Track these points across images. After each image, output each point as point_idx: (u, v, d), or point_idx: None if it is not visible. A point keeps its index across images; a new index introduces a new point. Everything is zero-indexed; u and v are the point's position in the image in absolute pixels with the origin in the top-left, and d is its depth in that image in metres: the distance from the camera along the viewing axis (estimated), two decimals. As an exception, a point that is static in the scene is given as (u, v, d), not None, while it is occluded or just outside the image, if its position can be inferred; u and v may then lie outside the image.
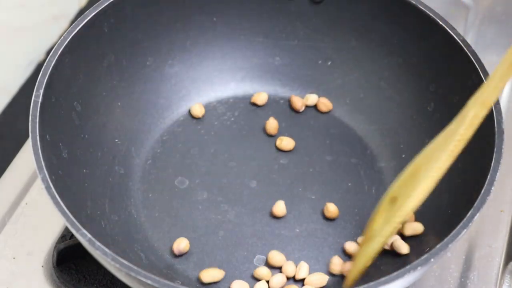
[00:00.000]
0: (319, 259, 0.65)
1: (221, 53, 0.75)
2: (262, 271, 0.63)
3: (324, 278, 0.63)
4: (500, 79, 0.56)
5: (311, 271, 0.64)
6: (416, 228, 0.64)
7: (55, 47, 0.63)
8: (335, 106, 0.75)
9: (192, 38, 0.74)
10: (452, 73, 0.67)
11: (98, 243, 0.53)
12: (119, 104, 0.70)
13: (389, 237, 0.59)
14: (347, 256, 0.65)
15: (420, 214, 0.65)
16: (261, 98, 0.75)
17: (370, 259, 0.60)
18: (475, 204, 0.56)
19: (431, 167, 0.57)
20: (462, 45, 0.65)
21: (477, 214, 0.56)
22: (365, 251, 0.61)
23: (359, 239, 0.65)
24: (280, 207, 0.67)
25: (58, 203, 0.55)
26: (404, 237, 0.64)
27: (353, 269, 0.62)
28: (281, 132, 0.73)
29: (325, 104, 0.74)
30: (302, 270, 0.63)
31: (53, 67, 0.62)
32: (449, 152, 0.56)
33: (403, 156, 0.70)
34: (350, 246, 0.65)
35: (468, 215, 0.56)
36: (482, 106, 0.56)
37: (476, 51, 0.65)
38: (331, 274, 0.64)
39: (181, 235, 0.66)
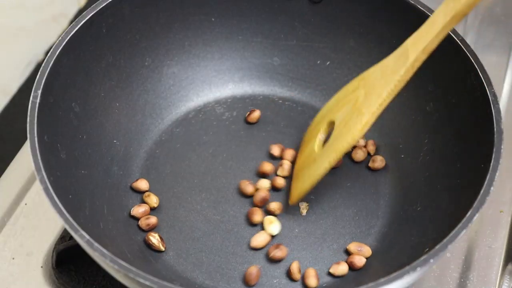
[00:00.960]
0: (319, 259, 0.65)
1: (219, 53, 0.75)
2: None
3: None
4: (443, 29, 0.57)
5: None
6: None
7: (53, 47, 0.63)
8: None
9: (191, 38, 0.74)
10: (451, 73, 0.67)
11: (96, 244, 0.53)
12: (117, 104, 0.70)
13: (333, 164, 0.63)
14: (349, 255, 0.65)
15: (420, 214, 0.65)
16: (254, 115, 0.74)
17: (315, 182, 0.64)
18: (474, 205, 0.56)
19: (371, 101, 0.60)
20: (461, 45, 0.65)
21: (477, 215, 0.56)
22: (310, 172, 0.64)
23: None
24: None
25: (57, 204, 0.55)
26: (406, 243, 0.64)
27: (297, 187, 0.66)
28: (279, 133, 0.73)
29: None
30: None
31: (51, 67, 0.62)
32: (389, 91, 0.59)
33: (402, 156, 0.70)
34: (352, 247, 0.65)
35: (467, 215, 0.56)
36: (423, 51, 0.58)
37: (476, 51, 0.64)
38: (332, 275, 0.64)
39: (180, 236, 0.66)
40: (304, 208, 0.68)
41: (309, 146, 0.66)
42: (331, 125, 0.65)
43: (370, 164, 0.71)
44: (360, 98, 0.61)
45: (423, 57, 0.58)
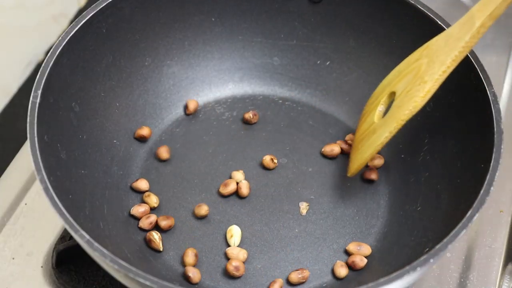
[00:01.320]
0: (319, 259, 0.65)
1: (219, 53, 0.75)
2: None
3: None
4: None
5: (311, 271, 0.64)
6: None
7: (53, 47, 0.63)
8: (334, 106, 0.75)
9: (191, 38, 0.74)
10: (451, 73, 0.66)
11: (96, 244, 0.53)
12: (117, 104, 0.70)
13: (394, 133, 0.62)
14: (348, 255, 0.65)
15: (420, 214, 0.65)
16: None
17: (375, 151, 0.63)
18: (474, 204, 0.56)
19: (434, 68, 0.58)
20: (461, 45, 0.65)
21: (477, 214, 0.56)
22: (370, 142, 0.63)
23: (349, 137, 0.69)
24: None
25: (57, 204, 0.55)
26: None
27: (357, 157, 0.65)
28: (280, 133, 0.73)
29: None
30: None
31: (51, 67, 0.62)
32: (453, 57, 0.58)
33: (403, 156, 0.70)
34: (351, 247, 0.65)
35: (467, 215, 0.56)
36: (490, 17, 0.56)
37: (476, 51, 0.64)
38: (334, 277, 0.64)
39: (180, 236, 0.66)
40: (304, 208, 0.68)
41: (369, 118, 0.65)
42: (392, 96, 0.64)
43: (370, 163, 0.71)
44: (422, 67, 0.60)
45: (490, 23, 0.57)
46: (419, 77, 0.60)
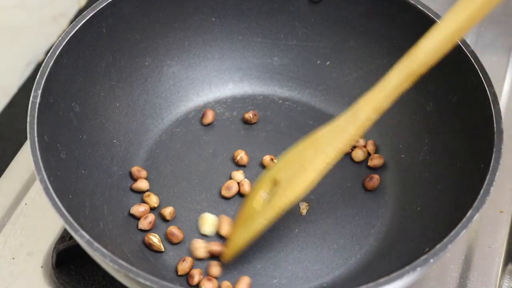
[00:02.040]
0: (319, 259, 0.65)
1: (219, 53, 0.75)
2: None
3: None
4: (395, 88, 0.56)
5: (311, 271, 0.64)
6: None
7: (53, 47, 0.63)
8: (334, 106, 0.75)
9: (191, 38, 0.74)
10: (451, 73, 0.67)
11: (96, 244, 0.53)
12: (117, 104, 0.70)
13: (272, 221, 0.61)
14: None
15: (420, 214, 0.65)
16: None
17: (250, 238, 0.62)
18: (474, 204, 0.56)
19: (317, 159, 0.58)
20: (461, 45, 0.65)
21: (477, 214, 0.56)
22: (246, 229, 0.62)
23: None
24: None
25: (56, 204, 0.55)
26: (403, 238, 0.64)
27: (231, 245, 0.63)
28: (279, 133, 0.73)
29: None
30: None
31: (51, 67, 0.62)
32: (337, 149, 0.58)
33: (403, 156, 0.70)
34: None
35: (467, 215, 0.56)
36: (375, 111, 0.56)
37: (476, 52, 0.64)
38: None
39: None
40: (304, 208, 0.68)
41: (250, 203, 0.63)
42: (276, 185, 0.62)
43: (369, 163, 0.71)
44: (307, 158, 0.59)
45: (374, 116, 0.57)
46: (302, 167, 0.60)
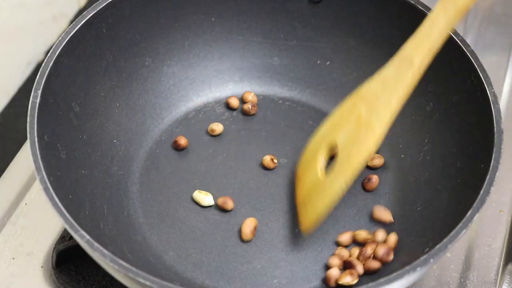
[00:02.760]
0: (319, 259, 0.65)
1: (219, 53, 0.75)
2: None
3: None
4: (446, 26, 0.56)
5: (311, 271, 0.64)
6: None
7: (53, 47, 0.63)
8: (334, 106, 0.75)
9: (191, 38, 0.74)
10: (451, 73, 0.67)
11: (96, 244, 0.53)
12: (117, 104, 0.70)
13: (349, 183, 0.61)
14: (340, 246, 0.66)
15: (420, 214, 0.65)
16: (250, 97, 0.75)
17: (331, 206, 0.62)
18: (474, 204, 0.56)
19: (381, 113, 0.58)
20: (461, 45, 0.65)
21: (477, 214, 0.56)
22: (324, 199, 0.62)
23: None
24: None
25: (56, 204, 0.55)
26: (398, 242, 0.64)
27: (311, 214, 0.63)
28: (279, 133, 0.73)
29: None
30: None
31: (51, 67, 0.62)
32: (397, 98, 0.58)
33: (402, 156, 0.70)
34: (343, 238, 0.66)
35: (467, 215, 0.56)
36: (429, 52, 0.56)
37: (476, 52, 0.65)
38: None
39: (180, 236, 0.66)
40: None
41: (311, 176, 0.63)
42: (333, 150, 0.63)
43: (369, 163, 0.71)
44: (363, 114, 0.59)
45: (429, 58, 0.57)
46: (363, 124, 0.59)
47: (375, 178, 0.69)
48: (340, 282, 0.61)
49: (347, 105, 0.62)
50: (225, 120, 0.74)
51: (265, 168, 0.71)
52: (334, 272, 0.62)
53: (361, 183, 0.70)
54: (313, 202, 0.63)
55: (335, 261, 0.63)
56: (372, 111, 0.59)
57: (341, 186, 0.61)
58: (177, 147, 0.71)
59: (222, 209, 0.67)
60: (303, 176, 0.65)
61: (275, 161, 0.71)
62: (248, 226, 0.65)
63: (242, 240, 0.65)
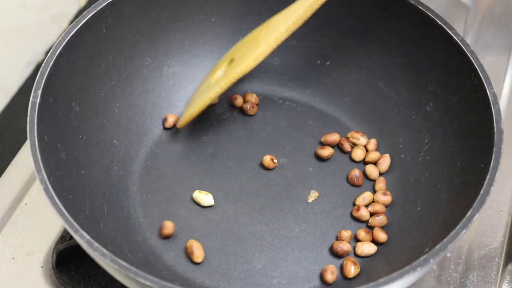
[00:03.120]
0: (319, 259, 0.65)
1: (219, 53, 0.75)
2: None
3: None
4: None
5: (311, 271, 0.64)
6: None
7: (53, 47, 0.63)
8: (334, 106, 0.75)
9: (191, 38, 0.74)
10: (451, 73, 0.67)
11: (96, 244, 0.53)
12: (117, 104, 0.70)
13: (224, 88, 0.68)
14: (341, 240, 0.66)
15: (420, 214, 0.65)
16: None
17: (205, 105, 0.69)
18: (474, 204, 0.56)
19: (270, 35, 0.66)
20: (461, 45, 0.65)
21: (477, 214, 0.56)
22: (203, 97, 0.70)
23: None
24: None
25: (56, 204, 0.55)
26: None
27: (188, 111, 0.71)
28: (279, 133, 0.73)
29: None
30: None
31: (51, 67, 0.62)
32: (286, 26, 0.65)
33: (403, 156, 0.70)
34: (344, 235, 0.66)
35: (467, 215, 0.56)
36: None
37: (476, 52, 0.65)
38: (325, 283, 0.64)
39: (180, 236, 0.66)
40: (312, 196, 0.68)
41: (206, 82, 0.71)
42: (231, 63, 0.70)
43: (366, 159, 0.71)
44: (260, 36, 0.67)
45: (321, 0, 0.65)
46: (255, 43, 0.67)
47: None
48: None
49: (256, 30, 0.69)
50: (225, 120, 0.74)
51: (265, 168, 0.71)
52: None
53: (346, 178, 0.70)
54: (195, 101, 0.71)
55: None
56: (266, 34, 0.67)
57: (215, 89, 0.68)
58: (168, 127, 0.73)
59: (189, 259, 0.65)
60: (201, 84, 0.72)
61: (275, 161, 0.71)
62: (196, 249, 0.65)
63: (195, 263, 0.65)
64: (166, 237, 0.65)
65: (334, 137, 0.72)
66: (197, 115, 0.70)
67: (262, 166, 0.71)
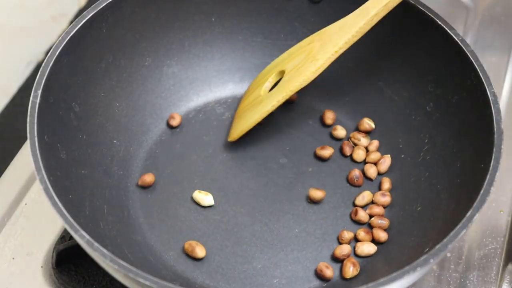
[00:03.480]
0: (319, 259, 0.65)
1: (219, 53, 0.75)
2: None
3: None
4: None
5: (311, 271, 0.64)
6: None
7: (53, 47, 0.63)
8: (334, 106, 0.75)
9: (191, 38, 0.74)
10: (451, 73, 0.67)
11: (96, 244, 0.53)
12: (117, 104, 0.70)
13: (282, 102, 0.67)
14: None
15: (420, 214, 0.65)
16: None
17: (261, 119, 0.69)
18: (474, 204, 0.56)
19: (328, 49, 0.65)
20: (461, 45, 0.65)
21: (477, 214, 0.56)
22: (254, 112, 0.69)
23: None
24: None
25: (56, 204, 0.55)
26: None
27: (240, 124, 0.70)
28: (279, 133, 0.73)
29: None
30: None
31: (51, 67, 0.62)
32: (346, 39, 0.64)
33: (403, 156, 0.70)
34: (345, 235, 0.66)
35: (467, 215, 0.56)
36: (385, 7, 0.63)
37: (476, 52, 0.65)
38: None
39: (180, 236, 0.66)
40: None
41: (255, 92, 0.70)
42: (280, 75, 0.69)
43: (367, 159, 0.71)
44: (315, 49, 0.66)
45: (383, 12, 0.63)
46: (311, 57, 0.66)
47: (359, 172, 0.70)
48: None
49: (306, 41, 0.68)
50: (225, 120, 0.74)
51: (265, 168, 0.71)
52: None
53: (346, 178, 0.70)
54: (247, 114, 0.70)
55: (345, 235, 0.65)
56: (322, 47, 0.66)
57: (272, 103, 0.68)
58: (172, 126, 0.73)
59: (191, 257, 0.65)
60: (248, 94, 0.71)
61: (276, 161, 0.71)
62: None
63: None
64: (146, 187, 0.67)
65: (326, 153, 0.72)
66: (250, 128, 0.70)
67: (263, 166, 0.71)
